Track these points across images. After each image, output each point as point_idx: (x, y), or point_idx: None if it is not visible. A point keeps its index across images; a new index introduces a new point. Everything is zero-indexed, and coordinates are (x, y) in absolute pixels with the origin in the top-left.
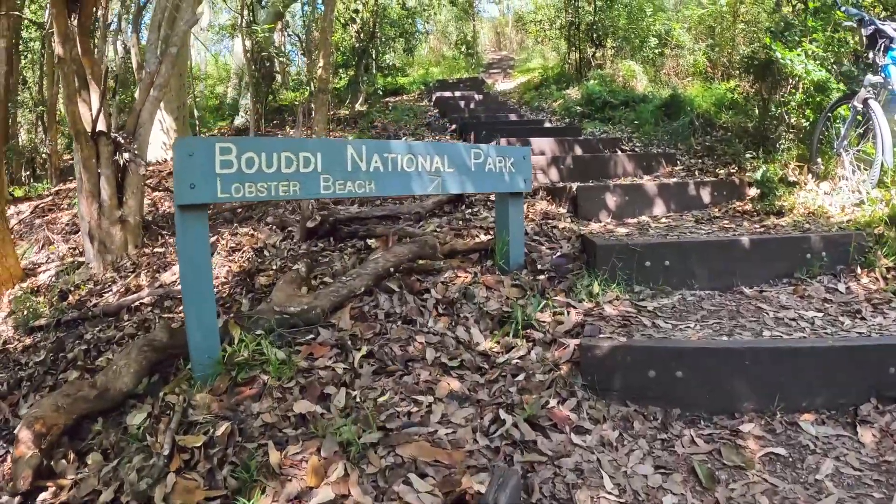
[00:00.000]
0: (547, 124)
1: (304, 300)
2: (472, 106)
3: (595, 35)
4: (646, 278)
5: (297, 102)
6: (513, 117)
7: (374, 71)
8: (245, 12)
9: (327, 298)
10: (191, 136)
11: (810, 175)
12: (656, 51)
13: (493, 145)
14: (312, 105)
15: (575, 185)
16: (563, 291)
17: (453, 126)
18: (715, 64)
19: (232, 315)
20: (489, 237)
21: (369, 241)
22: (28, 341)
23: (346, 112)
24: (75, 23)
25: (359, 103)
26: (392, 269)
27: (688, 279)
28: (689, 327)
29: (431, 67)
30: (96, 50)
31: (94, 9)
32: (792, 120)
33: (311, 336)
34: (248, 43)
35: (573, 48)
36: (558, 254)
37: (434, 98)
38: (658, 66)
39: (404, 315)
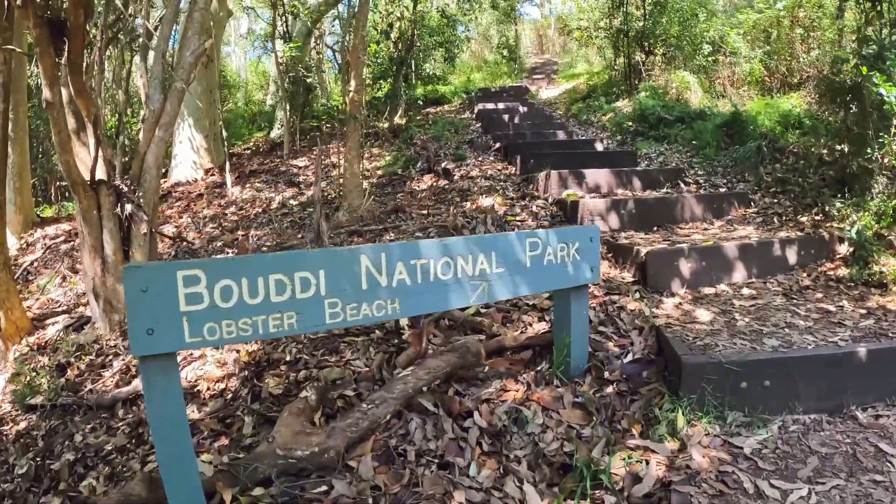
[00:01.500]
0: (598, 145)
1: (315, 439)
2: (516, 120)
3: (646, 43)
4: (740, 402)
5: (338, 116)
6: (561, 135)
7: (413, 81)
8: (279, 23)
9: (343, 435)
10: (143, 264)
11: None
12: (710, 59)
13: (553, 231)
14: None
15: (644, 250)
16: (639, 421)
17: (497, 145)
18: (772, 72)
19: (220, 466)
20: (544, 327)
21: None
22: (22, 425)
23: (385, 125)
24: (64, 61)
25: (398, 115)
26: (425, 388)
27: (790, 401)
28: (800, 496)
29: (473, 73)
30: (93, 90)
31: (85, 43)
32: (890, 161)
33: (324, 489)
34: (280, 56)
35: (621, 55)
36: (629, 357)
37: (476, 110)
38: (711, 75)
39: (440, 454)
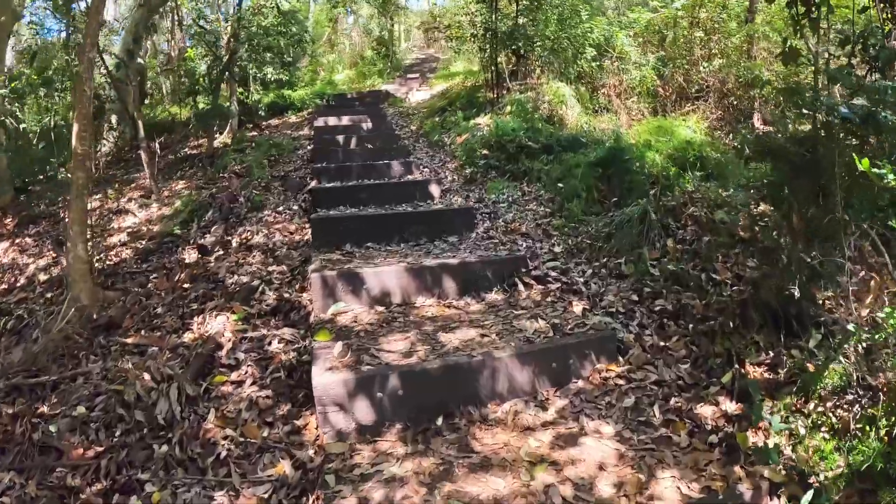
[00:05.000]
0: (434, 189)
1: None
2: (352, 143)
3: (515, 45)
4: None
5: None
6: (395, 168)
7: (252, 87)
8: None
9: None
10: None
11: None
12: (594, 64)
13: None
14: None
15: None
16: None
17: (312, 184)
18: (667, 81)
19: None
20: None
21: None
22: None
23: (203, 150)
24: None
25: (226, 132)
26: None
27: None
28: None
29: (347, 71)
30: None
31: None
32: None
33: None
34: None
35: (490, 61)
36: None
37: (315, 126)
38: (596, 83)
39: None
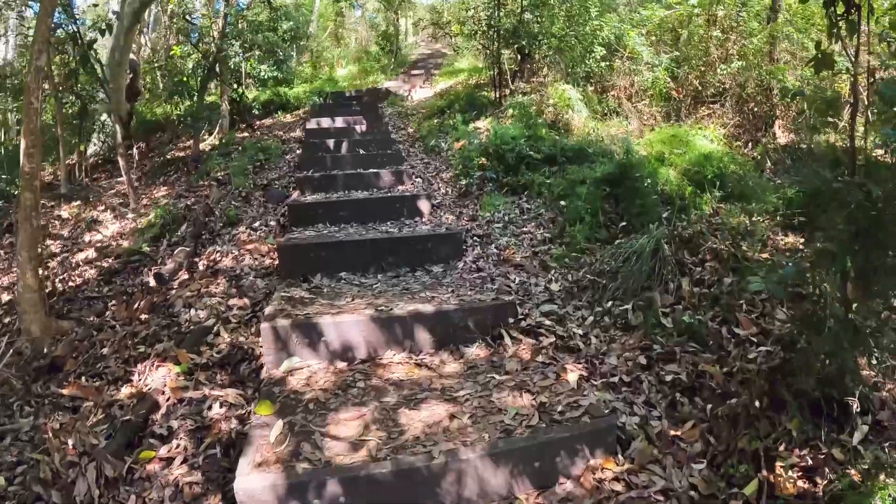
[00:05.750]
0: (423, 205)
1: None
2: (343, 148)
3: (520, 43)
4: None
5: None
6: (385, 178)
7: (243, 87)
8: None
9: None
10: None
11: None
12: (603, 64)
13: None
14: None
15: None
16: None
17: (294, 195)
18: (681, 84)
19: None
20: None
21: None
22: None
23: (190, 151)
24: None
25: (214, 134)
26: None
27: None
28: None
29: (350, 66)
30: None
31: None
32: None
33: None
34: None
35: (494, 59)
36: None
37: (307, 129)
38: (604, 83)
39: None
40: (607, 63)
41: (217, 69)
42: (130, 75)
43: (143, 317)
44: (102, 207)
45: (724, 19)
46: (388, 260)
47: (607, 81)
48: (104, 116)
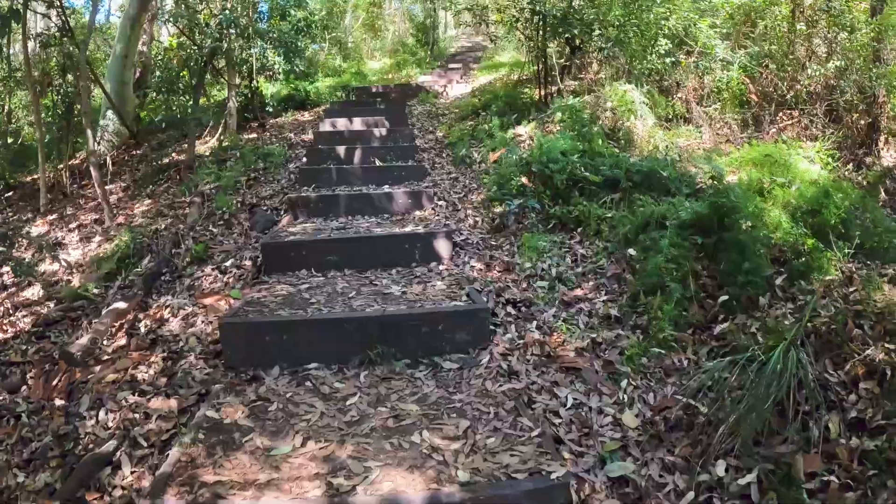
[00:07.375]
0: (443, 248)
1: None
2: (354, 159)
3: (569, 33)
4: None
5: None
6: (400, 199)
7: (256, 82)
8: None
9: None
10: None
11: None
12: (667, 60)
13: None
14: None
15: None
16: None
17: (285, 220)
18: (761, 86)
19: None
20: None
21: None
22: None
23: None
24: None
25: (216, 136)
26: None
27: None
28: None
29: (385, 59)
30: None
31: None
32: None
33: None
34: None
35: (538, 52)
36: None
37: (319, 131)
38: (666, 84)
39: None
40: (672, 59)
41: (216, 62)
42: (139, 70)
43: (59, 402)
44: (75, 224)
45: (811, 8)
46: (380, 349)
47: (668, 81)
48: (106, 116)
